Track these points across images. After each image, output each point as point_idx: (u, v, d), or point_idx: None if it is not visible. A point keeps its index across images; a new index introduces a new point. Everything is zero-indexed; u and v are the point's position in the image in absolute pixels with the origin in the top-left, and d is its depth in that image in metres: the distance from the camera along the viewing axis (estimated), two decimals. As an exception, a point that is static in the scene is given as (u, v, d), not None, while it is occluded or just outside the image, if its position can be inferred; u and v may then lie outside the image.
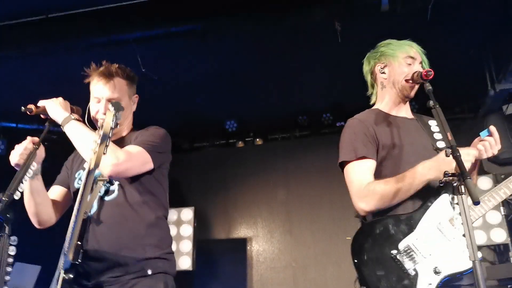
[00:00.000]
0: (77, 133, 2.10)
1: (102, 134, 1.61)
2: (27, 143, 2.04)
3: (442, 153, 1.83)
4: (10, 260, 1.71)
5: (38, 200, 2.17)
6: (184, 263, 5.47)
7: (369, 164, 2.10)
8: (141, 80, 4.40)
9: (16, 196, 1.81)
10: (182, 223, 5.65)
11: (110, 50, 4.12)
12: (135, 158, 2.07)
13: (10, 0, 3.57)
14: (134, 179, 2.13)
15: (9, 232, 1.77)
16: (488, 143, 2.00)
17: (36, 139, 2.06)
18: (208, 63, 4.70)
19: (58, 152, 4.71)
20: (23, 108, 2.09)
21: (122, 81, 2.30)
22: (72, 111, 2.24)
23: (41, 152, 2.08)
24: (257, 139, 6.30)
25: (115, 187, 2.14)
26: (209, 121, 6.06)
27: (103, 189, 2.13)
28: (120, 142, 2.21)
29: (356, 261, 1.97)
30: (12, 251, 1.77)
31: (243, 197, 5.99)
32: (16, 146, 2.06)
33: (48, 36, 3.94)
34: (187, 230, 5.60)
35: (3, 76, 4.55)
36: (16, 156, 2.01)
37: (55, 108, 2.15)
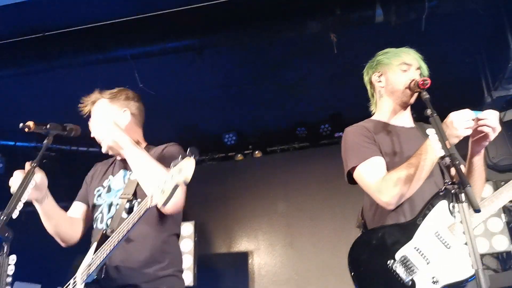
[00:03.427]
0: (145, 164, 2.10)
1: (183, 182, 1.65)
2: (27, 169, 2.02)
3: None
4: (9, 279, 1.69)
5: (53, 222, 2.24)
6: (186, 278, 5.40)
7: (378, 161, 2.08)
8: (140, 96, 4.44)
9: (15, 215, 1.80)
10: (182, 238, 5.61)
11: (108, 66, 4.14)
12: (183, 193, 2.17)
13: (6, 18, 3.59)
14: None
15: (7, 251, 1.76)
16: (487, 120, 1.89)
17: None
18: (206, 77, 4.71)
19: (57, 169, 4.72)
20: (21, 125, 2.08)
21: (104, 100, 2.45)
22: (71, 130, 2.25)
23: (43, 180, 2.12)
24: (256, 152, 6.29)
25: (136, 204, 2.16)
26: (208, 135, 6.06)
27: (127, 206, 2.17)
28: None
29: (353, 273, 1.95)
30: (11, 270, 1.75)
31: (243, 210, 5.96)
32: (16, 173, 2.07)
33: (45, 54, 3.96)
34: (188, 244, 5.56)
35: (0, 94, 4.55)
36: (16, 183, 2.01)
37: (121, 138, 2.13)
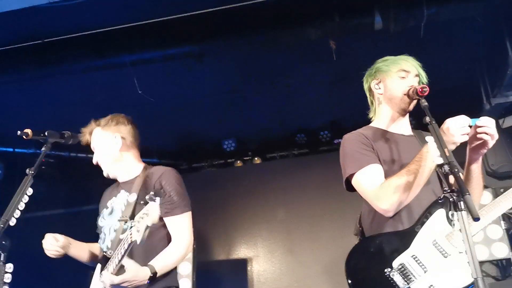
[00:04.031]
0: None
1: (151, 224, 1.92)
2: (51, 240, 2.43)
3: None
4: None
5: (83, 259, 2.65)
6: (184, 286, 5.39)
7: (377, 168, 2.08)
8: (138, 102, 4.44)
9: (12, 223, 1.80)
10: (181, 244, 5.59)
11: (107, 73, 4.14)
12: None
13: (5, 25, 3.60)
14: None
15: (4, 259, 1.75)
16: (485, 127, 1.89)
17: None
18: (205, 84, 4.72)
19: (56, 176, 4.71)
20: (19, 132, 2.10)
21: (98, 129, 2.67)
22: (69, 138, 2.30)
23: (65, 242, 2.47)
24: (256, 158, 6.29)
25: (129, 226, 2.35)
26: (207, 141, 6.06)
27: (125, 227, 2.33)
28: (138, 180, 2.53)
29: (350, 281, 1.94)
30: (7, 278, 1.74)
31: (242, 217, 5.95)
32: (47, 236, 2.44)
33: (44, 61, 3.96)
34: (187, 251, 5.54)
35: (-1, 101, 4.56)
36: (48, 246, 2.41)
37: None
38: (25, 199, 1.90)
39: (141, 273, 2.14)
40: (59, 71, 4.11)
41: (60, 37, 3.85)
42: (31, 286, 4.45)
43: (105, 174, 2.64)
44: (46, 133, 2.16)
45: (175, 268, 2.46)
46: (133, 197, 2.42)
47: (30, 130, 2.13)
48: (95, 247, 2.69)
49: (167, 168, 2.63)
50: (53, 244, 2.42)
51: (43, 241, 2.43)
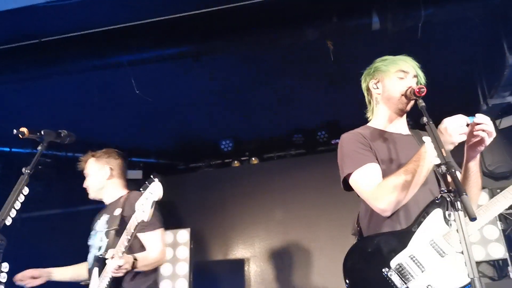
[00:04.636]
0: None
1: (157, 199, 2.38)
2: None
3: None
4: (1, 287, 1.69)
5: (73, 279, 3.10)
6: (181, 285, 5.39)
7: (375, 167, 2.08)
8: (135, 103, 4.43)
9: (8, 222, 1.80)
10: (178, 245, 5.59)
11: (104, 72, 4.14)
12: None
13: (3, 24, 3.59)
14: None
15: (0, 258, 1.75)
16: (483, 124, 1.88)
17: None
18: (203, 84, 4.71)
19: (52, 175, 4.69)
20: (15, 131, 2.09)
21: (92, 159, 3.17)
22: (66, 137, 2.32)
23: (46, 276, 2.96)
24: (253, 159, 6.28)
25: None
26: (205, 141, 6.06)
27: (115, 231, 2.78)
28: (121, 199, 2.97)
29: (347, 281, 1.94)
30: (3, 278, 1.73)
31: (240, 217, 5.94)
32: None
33: (42, 60, 3.95)
34: (184, 252, 5.53)
35: (-4, 100, 4.55)
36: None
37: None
38: (21, 198, 1.90)
39: (126, 258, 2.56)
40: (56, 71, 4.10)
41: (57, 37, 3.84)
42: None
43: (90, 197, 3.13)
44: (42, 132, 2.15)
45: (156, 271, 2.91)
46: (118, 211, 2.85)
47: (26, 129, 2.13)
48: (81, 268, 3.12)
49: None
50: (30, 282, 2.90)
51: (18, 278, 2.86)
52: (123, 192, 3.11)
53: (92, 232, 3.04)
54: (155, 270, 2.90)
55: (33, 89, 4.45)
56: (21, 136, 2.10)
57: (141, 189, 2.41)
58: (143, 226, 2.64)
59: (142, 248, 2.84)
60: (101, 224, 2.99)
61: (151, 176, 2.36)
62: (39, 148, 2.15)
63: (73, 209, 5.61)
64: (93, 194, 3.12)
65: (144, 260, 2.72)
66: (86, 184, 3.13)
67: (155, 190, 2.34)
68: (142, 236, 2.84)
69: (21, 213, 1.89)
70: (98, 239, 2.92)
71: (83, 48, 3.94)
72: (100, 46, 3.94)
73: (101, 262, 2.68)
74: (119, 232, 2.65)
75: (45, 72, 4.09)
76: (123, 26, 3.77)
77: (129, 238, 2.45)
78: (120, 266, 2.50)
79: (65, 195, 5.50)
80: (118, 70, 4.04)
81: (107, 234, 2.83)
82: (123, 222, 2.71)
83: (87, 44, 3.90)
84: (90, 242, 3.00)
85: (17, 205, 1.87)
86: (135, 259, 2.64)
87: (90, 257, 2.94)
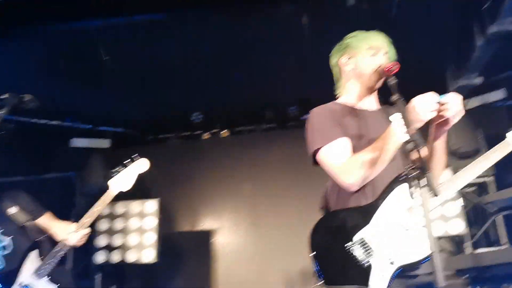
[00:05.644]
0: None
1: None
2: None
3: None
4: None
5: None
6: (148, 255, 5.40)
7: (344, 142, 2.08)
8: (104, 70, 4.30)
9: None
10: (146, 215, 5.57)
11: (70, 37, 3.99)
12: None
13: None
14: None
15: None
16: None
17: None
18: (174, 54, 4.61)
19: (16, 142, 4.55)
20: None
21: None
22: (29, 102, 2.22)
23: None
24: (223, 131, 6.26)
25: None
26: (175, 113, 5.97)
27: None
28: None
29: (313, 253, 1.98)
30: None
31: (208, 190, 5.95)
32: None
33: (4, 22, 3.77)
34: (151, 222, 5.52)
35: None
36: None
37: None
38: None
39: None
40: (20, 33, 3.92)
41: (22, -2, 3.67)
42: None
43: None
44: (4, 96, 2.07)
45: None
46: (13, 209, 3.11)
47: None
48: None
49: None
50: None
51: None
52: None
53: None
54: None
55: (-4, 51, 4.26)
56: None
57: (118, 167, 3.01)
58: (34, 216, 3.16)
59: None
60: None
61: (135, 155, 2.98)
62: (1, 112, 2.07)
63: (37, 177, 5.50)
64: None
65: None
66: None
67: (142, 164, 3.03)
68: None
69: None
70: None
71: (50, 12, 3.77)
72: (66, 10, 3.78)
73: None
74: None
75: (9, 34, 3.91)
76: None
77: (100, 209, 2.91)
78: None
79: (28, 161, 5.37)
80: (85, 35, 3.90)
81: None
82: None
83: (53, 7, 3.74)
84: None
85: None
86: None
87: None
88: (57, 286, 3.02)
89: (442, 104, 1.91)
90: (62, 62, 4.30)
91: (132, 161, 3.01)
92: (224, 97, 5.60)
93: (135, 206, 5.59)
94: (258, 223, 5.71)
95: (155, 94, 5.41)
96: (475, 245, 4.90)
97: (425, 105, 1.83)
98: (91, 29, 3.81)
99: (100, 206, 2.99)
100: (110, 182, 3.07)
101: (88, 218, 3.02)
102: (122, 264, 5.46)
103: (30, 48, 4.23)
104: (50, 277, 3.02)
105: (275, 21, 4.05)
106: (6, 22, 3.81)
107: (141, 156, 3.23)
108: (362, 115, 2.21)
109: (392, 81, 1.92)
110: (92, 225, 3.18)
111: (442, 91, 1.93)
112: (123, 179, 3.04)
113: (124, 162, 2.99)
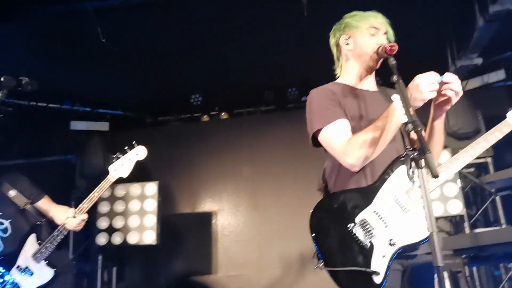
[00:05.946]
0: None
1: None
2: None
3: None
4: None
5: None
6: (148, 237, 5.44)
7: (344, 123, 2.08)
8: (102, 52, 4.27)
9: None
10: (146, 197, 5.59)
11: (68, 19, 3.95)
12: None
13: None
14: None
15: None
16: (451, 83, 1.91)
17: None
18: (173, 35, 4.57)
19: (14, 125, 4.55)
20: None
21: None
22: (27, 84, 2.20)
23: None
24: (223, 113, 6.25)
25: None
26: (174, 95, 5.95)
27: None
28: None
29: (313, 235, 1.99)
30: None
31: (208, 172, 5.97)
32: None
33: (2, 3, 3.72)
34: (151, 204, 5.55)
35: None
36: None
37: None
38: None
39: None
40: (18, 15, 3.88)
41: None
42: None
43: None
44: (2, 79, 2.05)
45: None
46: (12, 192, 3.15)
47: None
48: None
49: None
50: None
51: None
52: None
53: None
54: None
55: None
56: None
57: (118, 153, 3.09)
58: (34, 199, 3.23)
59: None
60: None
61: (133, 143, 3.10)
62: (-1, 95, 2.05)
63: (36, 160, 5.50)
64: None
65: None
66: None
67: (140, 152, 3.09)
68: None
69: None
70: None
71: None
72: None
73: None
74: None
75: (6, 16, 3.87)
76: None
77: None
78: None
79: (28, 144, 5.37)
80: (83, 17, 3.86)
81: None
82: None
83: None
84: None
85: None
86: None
87: None
88: (54, 270, 3.05)
89: (442, 84, 1.89)
90: (61, 44, 4.26)
91: (131, 148, 3.07)
92: (224, 79, 5.57)
93: (135, 188, 5.61)
94: (258, 205, 5.74)
95: (154, 76, 5.39)
96: (474, 226, 4.94)
97: (427, 84, 1.82)
98: (89, 11, 3.76)
99: (99, 192, 3.01)
100: (110, 168, 3.09)
101: (86, 203, 3.04)
102: (123, 246, 5.51)
103: (28, 30, 4.19)
104: (47, 262, 3.05)
105: (274, 1, 4.00)
106: (3, 4, 3.77)
107: (141, 138, 3.24)
108: (362, 95, 2.20)
109: (392, 61, 1.91)
110: (94, 207, 3.21)
111: (442, 71, 1.92)
112: (122, 166, 3.10)
113: (125, 149, 3.06)
